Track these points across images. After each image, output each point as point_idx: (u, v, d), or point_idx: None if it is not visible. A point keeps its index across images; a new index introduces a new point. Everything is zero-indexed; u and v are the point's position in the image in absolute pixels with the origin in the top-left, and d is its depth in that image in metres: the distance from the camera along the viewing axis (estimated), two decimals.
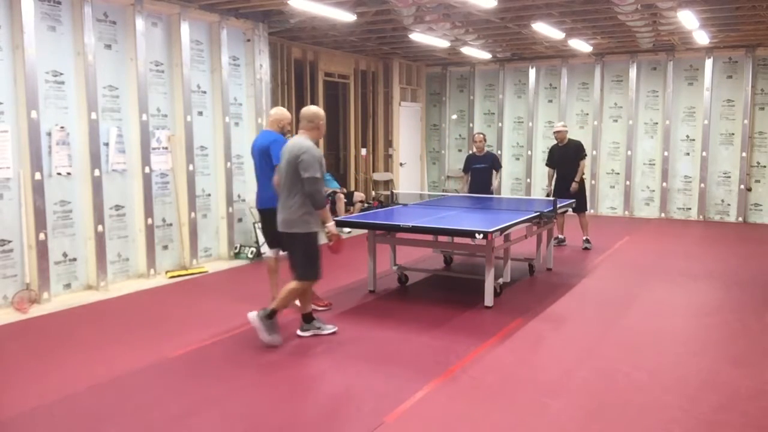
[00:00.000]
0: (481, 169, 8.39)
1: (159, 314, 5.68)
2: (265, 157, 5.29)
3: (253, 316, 4.64)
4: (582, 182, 8.60)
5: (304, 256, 4.69)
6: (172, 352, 4.60)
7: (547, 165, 8.95)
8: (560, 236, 8.81)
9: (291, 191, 4.63)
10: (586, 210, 8.78)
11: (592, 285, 6.70)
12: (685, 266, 7.56)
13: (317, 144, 4.85)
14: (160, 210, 7.19)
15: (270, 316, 4.63)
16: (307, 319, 4.97)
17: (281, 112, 5.47)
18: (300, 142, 4.65)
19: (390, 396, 3.85)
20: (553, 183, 8.78)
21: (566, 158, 8.58)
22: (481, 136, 8.48)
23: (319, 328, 4.95)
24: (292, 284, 4.72)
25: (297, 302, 5.06)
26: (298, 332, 4.95)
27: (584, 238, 8.68)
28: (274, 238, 5.24)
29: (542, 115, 12.68)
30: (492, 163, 8.42)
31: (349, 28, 8.89)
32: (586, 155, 8.75)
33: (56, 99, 6.11)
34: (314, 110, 4.83)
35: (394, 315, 5.59)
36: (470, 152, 8.83)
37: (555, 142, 8.90)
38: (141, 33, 6.73)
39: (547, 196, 8.61)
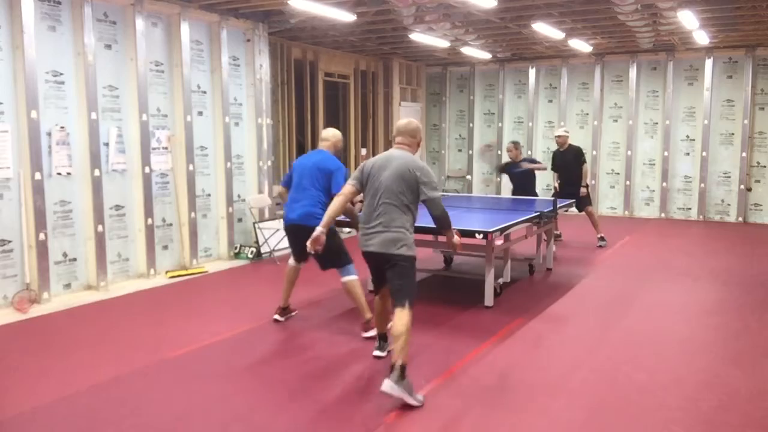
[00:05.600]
0: (517, 173, 8.60)
1: (159, 314, 5.68)
2: (321, 175, 4.98)
3: (388, 385, 3.70)
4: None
5: (409, 278, 4.01)
6: (172, 352, 4.60)
7: (552, 169, 9.08)
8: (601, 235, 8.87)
9: (395, 211, 3.97)
10: (590, 204, 8.88)
11: (592, 285, 6.70)
12: (685, 266, 7.56)
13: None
14: (160, 210, 7.18)
15: (403, 374, 3.73)
16: (385, 337, 4.47)
17: (337, 132, 5.33)
18: (412, 158, 4.05)
19: (390, 396, 3.84)
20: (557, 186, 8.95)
21: (566, 163, 8.76)
22: (511, 145, 8.72)
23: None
24: (404, 319, 3.86)
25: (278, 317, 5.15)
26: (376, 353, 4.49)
27: (598, 236, 8.82)
28: (303, 252, 4.85)
29: (542, 115, 12.67)
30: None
31: (349, 28, 8.89)
32: (585, 161, 8.85)
33: (56, 99, 6.11)
34: (415, 124, 4.20)
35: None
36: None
37: (556, 143, 8.97)
38: (141, 33, 6.73)
39: (553, 194, 8.72)
